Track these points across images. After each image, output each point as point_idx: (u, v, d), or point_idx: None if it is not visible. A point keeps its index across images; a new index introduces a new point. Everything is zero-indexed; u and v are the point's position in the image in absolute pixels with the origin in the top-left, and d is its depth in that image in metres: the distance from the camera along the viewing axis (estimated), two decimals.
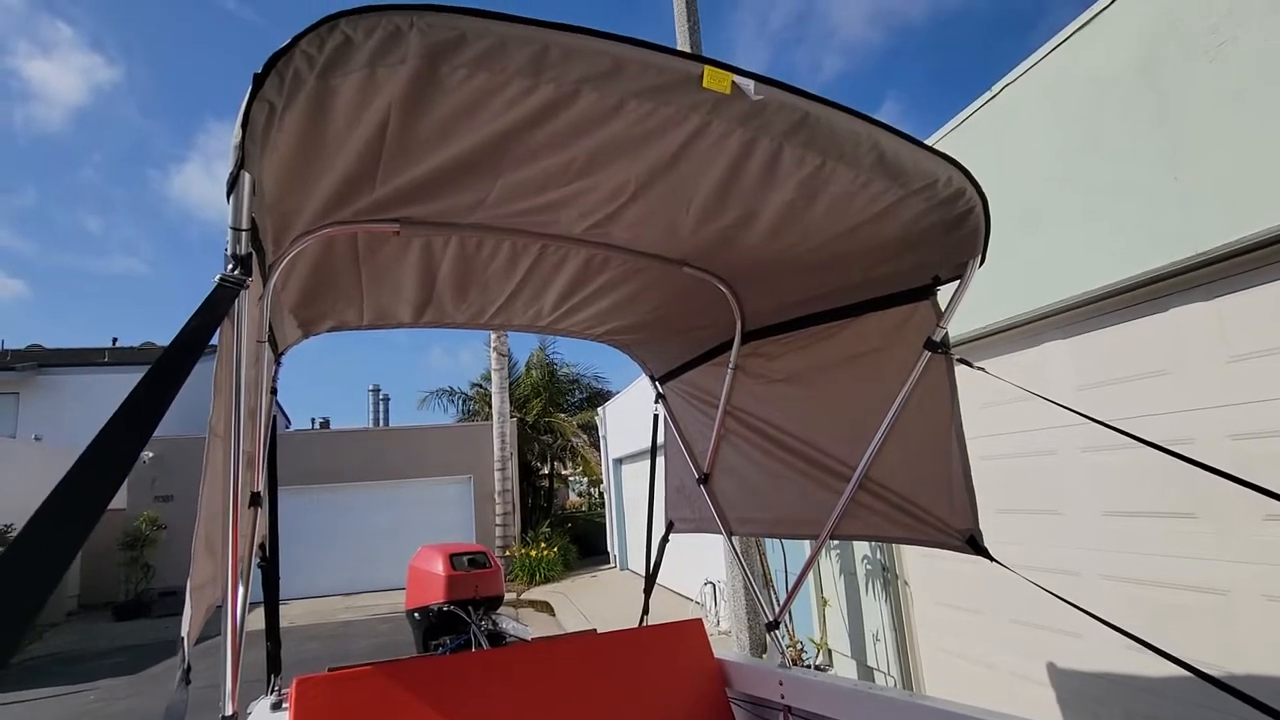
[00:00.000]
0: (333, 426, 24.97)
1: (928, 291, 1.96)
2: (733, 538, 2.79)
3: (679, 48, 5.74)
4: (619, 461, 15.06)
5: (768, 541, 6.11)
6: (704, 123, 1.38)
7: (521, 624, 3.09)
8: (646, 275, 2.41)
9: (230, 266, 1.08)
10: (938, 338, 1.92)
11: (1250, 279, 2.70)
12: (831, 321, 2.27)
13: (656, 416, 3.26)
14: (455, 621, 3.03)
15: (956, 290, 1.87)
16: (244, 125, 1.00)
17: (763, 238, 1.92)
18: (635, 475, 13.88)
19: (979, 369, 1.90)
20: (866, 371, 2.15)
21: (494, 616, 3.03)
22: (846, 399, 2.24)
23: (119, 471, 0.63)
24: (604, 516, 16.83)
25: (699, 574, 8.54)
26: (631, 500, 14.28)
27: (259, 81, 0.98)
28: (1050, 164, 3.47)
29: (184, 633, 1.24)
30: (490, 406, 16.11)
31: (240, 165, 1.03)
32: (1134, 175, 3.03)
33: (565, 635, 2.52)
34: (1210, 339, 2.85)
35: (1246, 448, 2.69)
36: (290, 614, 12.02)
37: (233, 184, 1.05)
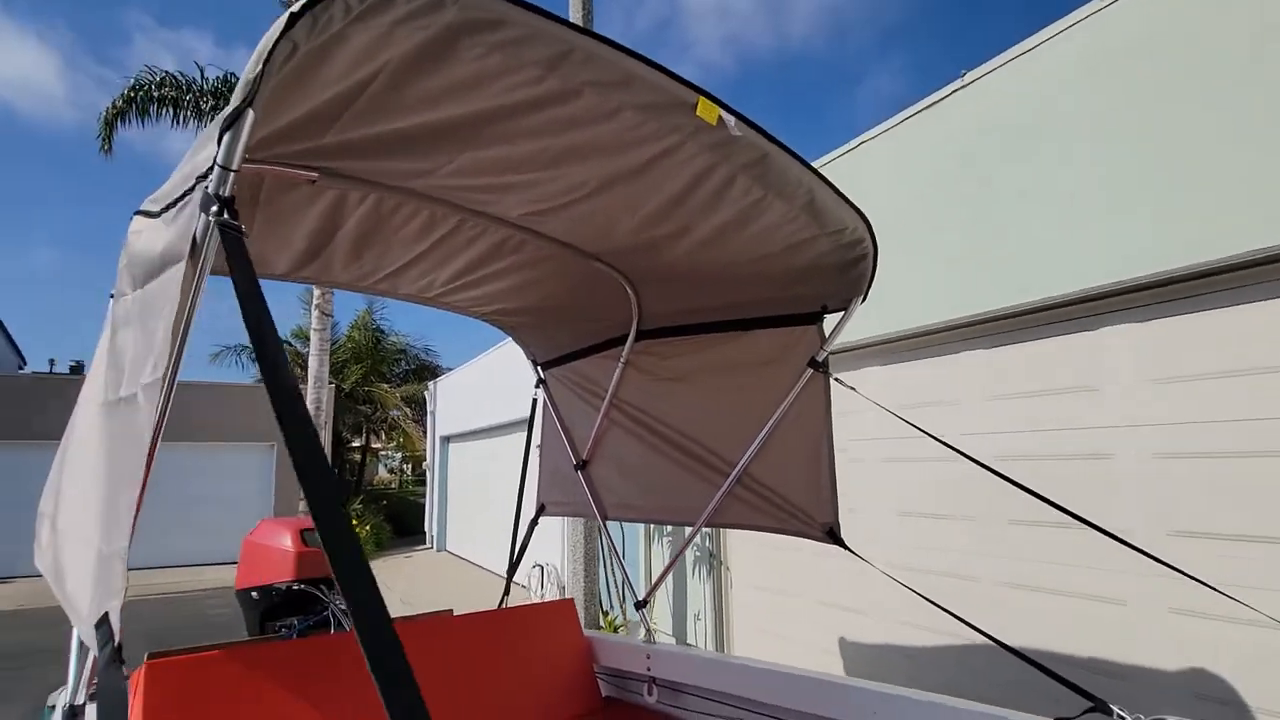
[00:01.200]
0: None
1: (816, 318, 2.26)
2: (605, 522, 2.95)
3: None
4: (447, 439, 14.55)
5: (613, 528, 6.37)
6: (679, 143, 1.51)
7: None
8: (554, 264, 2.47)
9: (216, 209, 0.98)
10: (820, 358, 2.24)
11: (1013, 338, 3.46)
12: (727, 331, 2.51)
13: (536, 401, 3.31)
14: (304, 602, 2.84)
15: (840, 319, 2.19)
16: (265, 61, 0.93)
17: (687, 250, 2.08)
18: (464, 455, 13.53)
19: (849, 387, 2.24)
20: (754, 380, 2.42)
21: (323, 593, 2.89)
22: (732, 402, 2.49)
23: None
24: (421, 495, 16.15)
25: (526, 558, 8.60)
26: (458, 481, 13.89)
27: (293, 20, 0.92)
28: (885, 214, 4.08)
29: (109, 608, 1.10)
30: (303, 369, 14.65)
31: (249, 101, 0.95)
32: (949, 243, 3.69)
33: (436, 615, 2.50)
34: (985, 377, 3.59)
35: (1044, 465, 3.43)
36: (18, 594, 10.01)
37: (234, 120, 0.97)
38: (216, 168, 0.99)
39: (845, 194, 1.81)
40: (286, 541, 2.82)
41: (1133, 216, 2.94)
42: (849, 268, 2.04)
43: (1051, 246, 3.24)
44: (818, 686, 1.96)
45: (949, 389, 3.78)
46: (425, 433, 17.23)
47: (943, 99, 3.86)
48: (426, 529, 15.01)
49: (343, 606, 2.78)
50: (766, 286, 2.24)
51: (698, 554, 5.56)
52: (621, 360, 2.82)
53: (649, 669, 2.44)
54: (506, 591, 3.10)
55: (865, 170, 4.26)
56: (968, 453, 2.07)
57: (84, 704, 1.50)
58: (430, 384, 15.75)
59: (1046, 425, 3.31)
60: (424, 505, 15.73)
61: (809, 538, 2.26)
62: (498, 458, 11.02)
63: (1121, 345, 3.09)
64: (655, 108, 1.37)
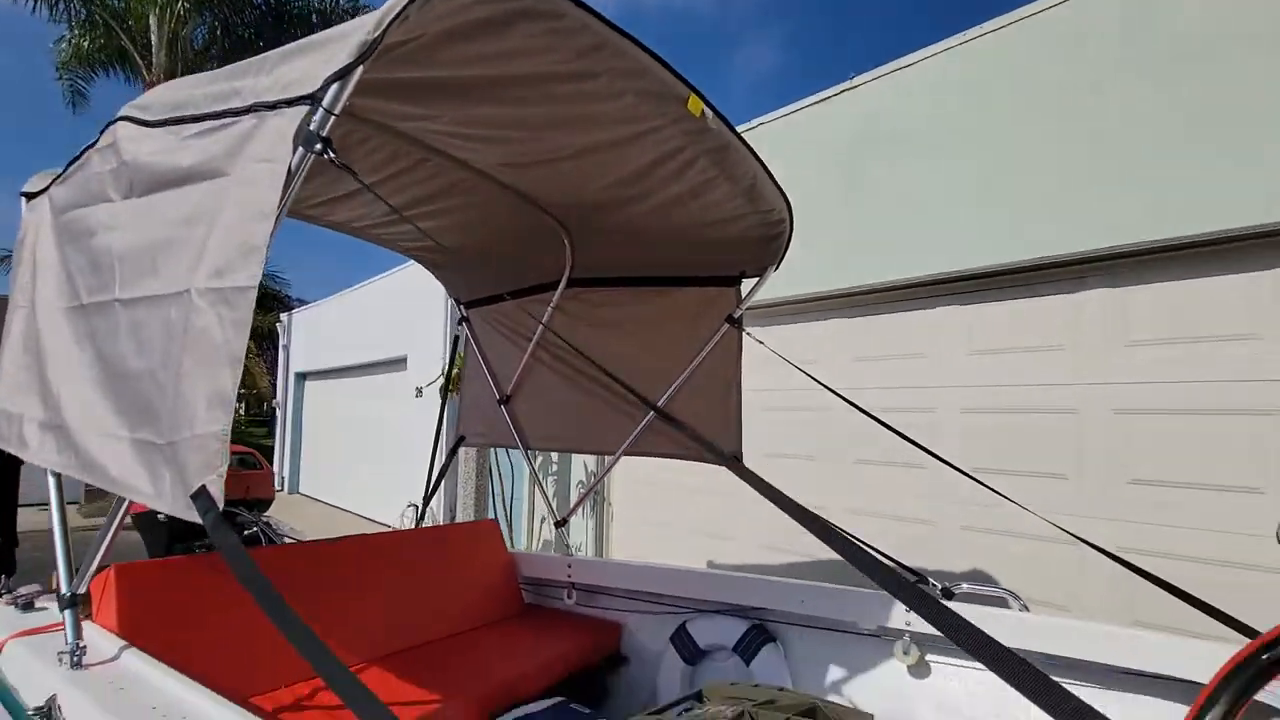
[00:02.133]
0: None
1: (735, 281, 2.66)
2: (528, 451, 3.22)
3: None
4: (303, 376, 13.66)
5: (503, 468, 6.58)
6: (661, 125, 1.78)
7: (295, 529, 3.04)
8: (499, 209, 2.64)
9: (320, 148, 1.12)
10: (736, 315, 2.64)
11: (872, 310, 4.14)
12: (654, 286, 2.84)
13: (458, 338, 3.45)
14: None
15: (756, 284, 2.60)
16: (386, 28, 1.08)
17: (640, 213, 2.37)
18: (326, 393, 12.81)
19: (759, 340, 2.68)
20: (676, 330, 2.78)
21: (267, 519, 2.93)
22: (655, 348, 2.84)
23: None
24: (260, 436, 15.08)
25: (399, 501, 8.54)
26: (316, 420, 13.16)
27: None
28: None
29: None
30: None
31: (363, 60, 1.09)
32: (824, 231, 4.28)
33: (366, 535, 2.65)
34: (849, 342, 4.27)
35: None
36: None
37: (346, 74, 1.10)
38: (322, 110, 1.12)
39: (778, 182, 2.19)
40: None
41: (980, 217, 3.66)
42: (769, 241, 2.44)
43: (915, 237, 3.91)
44: (725, 580, 2.43)
45: (820, 350, 4.43)
46: (270, 368, 15.98)
47: (832, 97, 4.39)
48: (276, 470, 14.11)
49: (264, 528, 2.84)
50: (697, 251, 2.58)
51: (583, 490, 5.98)
52: (552, 305, 3.06)
53: (569, 576, 2.80)
54: (421, 517, 3.29)
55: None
56: (857, 403, 2.60)
57: (86, 592, 1.57)
58: (284, 316, 14.56)
59: (889, 384, 4.06)
60: (267, 445, 14.72)
61: (716, 464, 2.70)
62: (371, 396, 10.63)
63: (954, 322, 3.86)
64: (654, 95, 1.64)
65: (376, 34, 1.09)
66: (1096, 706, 1.80)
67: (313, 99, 1.15)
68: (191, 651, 1.52)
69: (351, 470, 10.97)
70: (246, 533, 2.81)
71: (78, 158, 1.79)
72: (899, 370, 4.04)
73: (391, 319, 9.49)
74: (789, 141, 4.61)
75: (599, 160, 2.03)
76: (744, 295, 2.65)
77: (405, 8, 1.09)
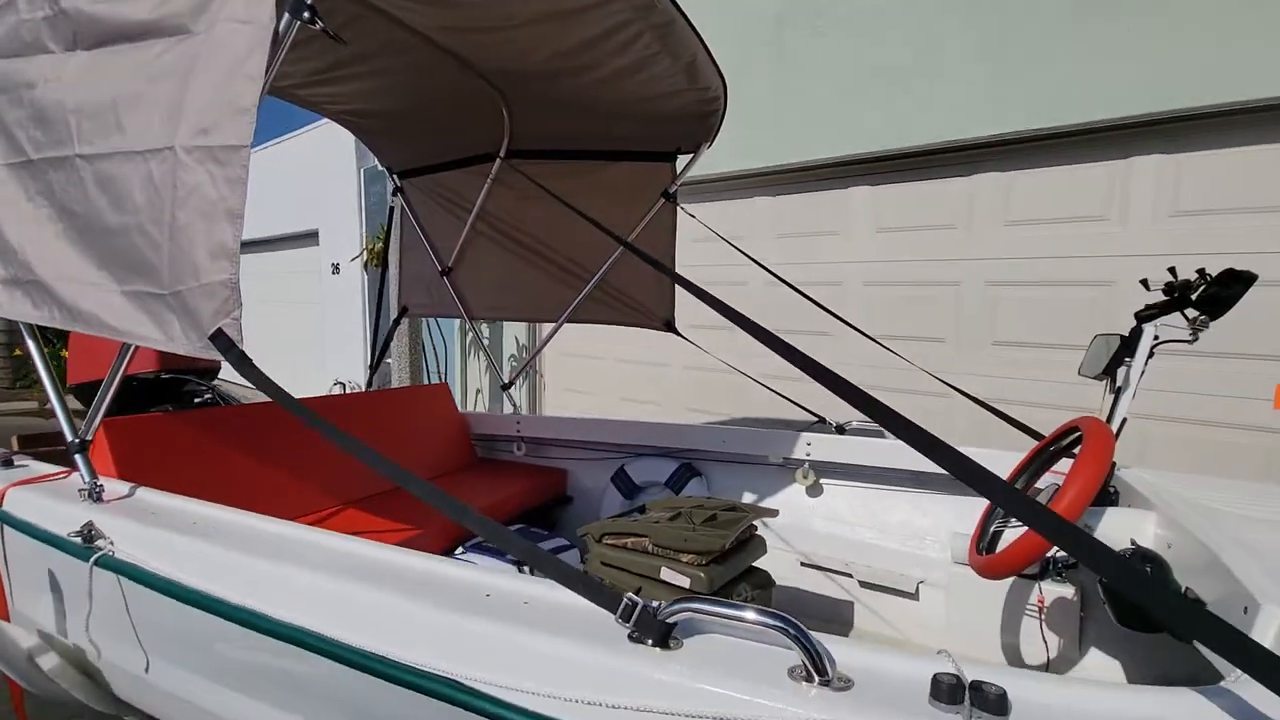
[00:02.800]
0: None
1: (670, 156, 2.82)
2: (472, 322, 3.39)
3: None
4: None
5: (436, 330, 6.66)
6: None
7: (245, 397, 3.13)
8: (436, 75, 2.61)
9: (308, 16, 1.18)
10: (672, 190, 2.83)
11: (811, 187, 4.41)
12: (593, 160, 2.94)
13: (393, 209, 3.45)
14: (165, 391, 2.90)
15: (690, 160, 2.77)
16: None
17: (583, 85, 2.43)
18: None
19: (691, 215, 2.89)
20: (614, 202, 2.94)
21: (215, 384, 3.00)
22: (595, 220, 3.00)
23: None
24: None
25: (318, 383, 8.48)
26: None
27: None
28: None
29: None
30: None
31: None
32: (751, 107, 4.39)
33: (326, 395, 2.80)
34: (769, 218, 4.55)
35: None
36: None
37: None
38: None
39: (716, 61, 2.31)
40: None
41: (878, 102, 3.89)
42: (705, 118, 2.59)
43: (832, 116, 4.11)
44: (658, 428, 2.79)
45: (748, 226, 4.69)
46: None
47: None
48: None
49: (216, 390, 2.93)
50: (636, 125, 2.70)
51: (514, 363, 6.22)
52: (490, 176, 3.11)
53: (519, 431, 3.10)
54: (369, 385, 3.45)
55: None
56: (780, 275, 2.90)
57: (91, 438, 1.69)
58: None
59: (804, 260, 4.42)
60: None
61: (652, 328, 2.99)
62: (281, 275, 10.11)
63: (861, 199, 4.19)
64: None
65: None
66: (947, 504, 2.29)
67: None
68: (198, 492, 1.69)
69: (263, 355, 10.61)
70: (198, 400, 2.89)
71: None
72: (814, 247, 4.39)
73: (299, 190, 8.89)
74: (712, 11, 4.57)
75: (545, 30, 2.07)
76: (679, 171, 2.82)
77: None
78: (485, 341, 6.39)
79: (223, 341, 1.26)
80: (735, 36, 4.45)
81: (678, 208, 2.87)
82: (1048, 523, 0.91)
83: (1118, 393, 1.79)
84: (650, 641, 0.89)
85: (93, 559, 1.43)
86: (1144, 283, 1.83)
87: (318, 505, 2.34)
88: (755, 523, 1.92)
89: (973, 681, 0.76)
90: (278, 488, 2.21)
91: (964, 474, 0.90)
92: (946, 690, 0.75)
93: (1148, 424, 3.19)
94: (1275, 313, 2.88)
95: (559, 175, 3.04)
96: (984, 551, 1.58)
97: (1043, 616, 1.78)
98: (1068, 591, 1.79)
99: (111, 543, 1.45)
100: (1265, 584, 0.98)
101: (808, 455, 2.54)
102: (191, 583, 1.30)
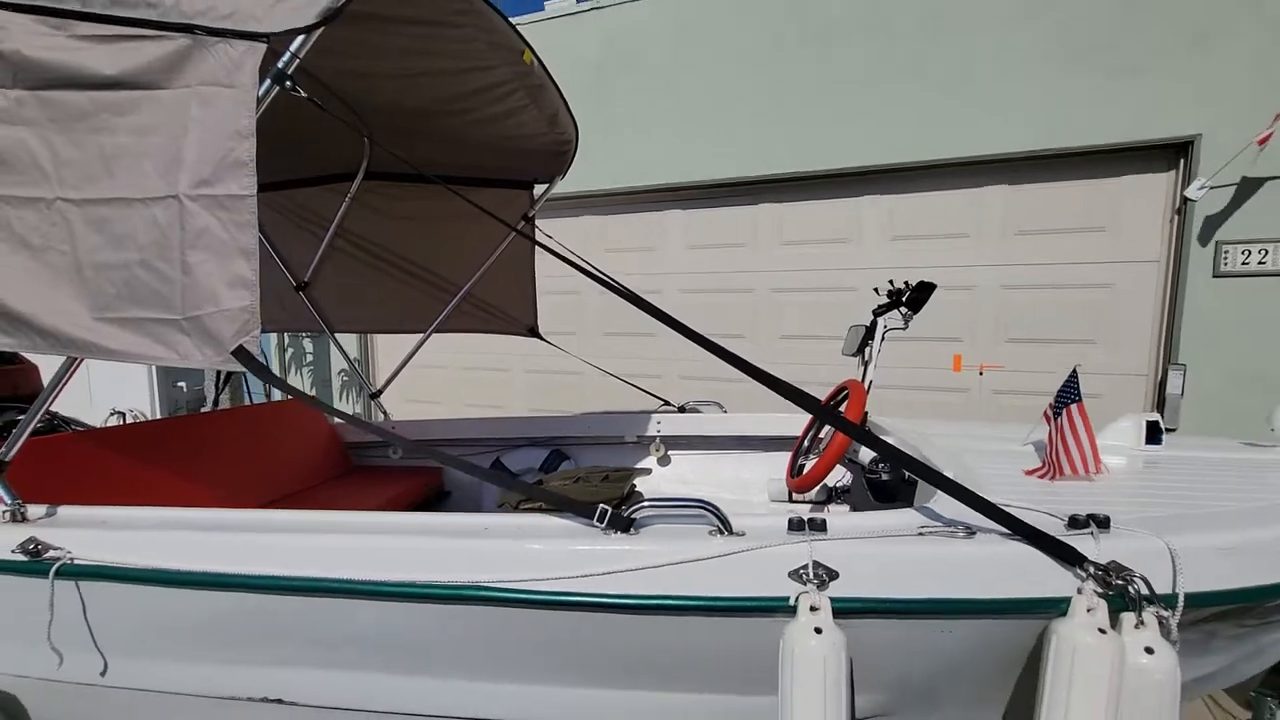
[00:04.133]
0: None
1: (528, 185, 3.25)
2: (334, 334, 3.48)
3: None
4: None
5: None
6: (496, 65, 2.27)
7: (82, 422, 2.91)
8: (301, 103, 2.77)
9: (290, 85, 1.43)
10: (530, 214, 3.26)
11: (632, 209, 5.07)
12: (457, 185, 3.25)
13: None
14: None
15: (546, 189, 3.23)
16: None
17: (446, 125, 2.75)
18: None
19: (548, 236, 3.34)
20: (476, 224, 3.28)
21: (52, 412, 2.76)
22: (457, 239, 3.31)
23: None
24: None
25: (104, 406, 7.32)
26: None
27: None
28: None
29: None
30: None
31: (332, 19, 1.42)
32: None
33: (180, 416, 2.76)
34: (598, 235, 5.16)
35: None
36: None
37: (312, 30, 1.42)
38: (290, 54, 1.44)
39: (572, 112, 2.81)
40: None
41: (694, 143, 4.71)
42: (560, 156, 3.06)
43: (642, 152, 4.83)
44: (527, 421, 3.20)
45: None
46: None
47: (581, 13, 4.94)
48: None
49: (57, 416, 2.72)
50: (498, 157, 3.08)
51: (345, 379, 6.08)
52: (349, 196, 3.26)
53: (393, 432, 3.29)
54: (215, 403, 3.38)
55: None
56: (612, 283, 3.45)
57: (9, 460, 1.67)
58: None
59: (631, 270, 5.09)
60: None
61: (517, 334, 3.39)
62: None
63: (675, 223, 4.97)
64: (499, 46, 2.12)
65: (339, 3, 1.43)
66: (764, 460, 3.01)
67: (266, 38, 1.45)
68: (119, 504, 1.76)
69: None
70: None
71: None
72: (634, 260, 5.10)
73: None
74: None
75: (425, 83, 2.41)
76: (537, 198, 3.26)
77: None
78: (308, 359, 6.15)
79: (244, 357, 1.47)
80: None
81: (535, 228, 3.30)
82: (848, 426, 1.57)
83: (865, 366, 2.63)
84: (619, 532, 1.38)
85: (53, 569, 1.52)
86: (875, 290, 2.70)
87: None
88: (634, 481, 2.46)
89: (808, 519, 1.37)
90: (196, 497, 2.26)
91: (798, 398, 1.49)
92: (795, 524, 1.35)
93: (882, 391, 4.35)
94: (950, 306, 4.15)
95: (421, 198, 3.31)
96: (796, 476, 2.29)
97: None
98: (844, 509, 2.60)
99: (69, 552, 1.54)
100: (945, 460, 1.76)
101: (659, 431, 3.14)
102: (173, 565, 1.48)
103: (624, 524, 1.38)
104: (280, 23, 1.45)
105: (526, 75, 2.36)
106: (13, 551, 1.54)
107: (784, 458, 2.70)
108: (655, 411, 3.24)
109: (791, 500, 2.42)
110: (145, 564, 1.49)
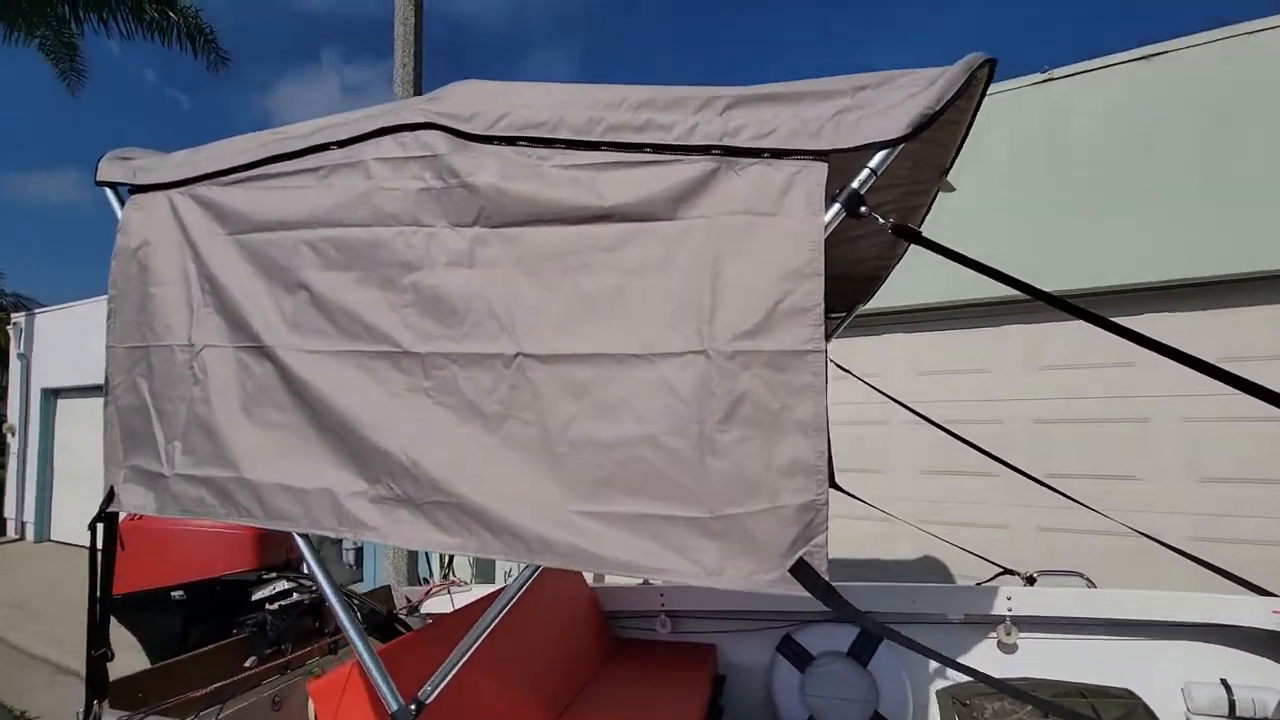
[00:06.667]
0: None
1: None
2: None
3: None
4: (54, 393, 10.76)
5: None
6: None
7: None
8: None
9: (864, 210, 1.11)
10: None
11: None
12: None
13: None
14: (241, 595, 2.30)
15: (846, 314, 2.83)
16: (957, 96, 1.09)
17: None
18: (86, 414, 10.23)
19: (841, 367, 2.92)
20: None
21: (303, 580, 2.42)
22: None
23: None
24: None
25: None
26: (73, 447, 10.43)
27: None
28: None
29: None
30: None
31: (923, 128, 1.10)
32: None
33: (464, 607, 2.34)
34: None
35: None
36: None
37: (897, 143, 1.11)
38: (869, 171, 1.14)
39: None
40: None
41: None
42: (874, 281, 2.68)
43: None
44: (843, 588, 2.60)
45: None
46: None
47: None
48: (12, 514, 10.93)
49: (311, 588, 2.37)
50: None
51: None
52: None
53: (663, 604, 2.77)
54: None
55: None
56: (923, 414, 2.94)
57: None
58: (18, 318, 11.35)
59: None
60: None
61: None
62: None
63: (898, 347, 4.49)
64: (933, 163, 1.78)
65: (938, 107, 1.09)
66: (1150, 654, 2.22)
67: (826, 155, 1.13)
68: None
69: None
70: (279, 615, 2.30)
71: (288, 155, 1.41)
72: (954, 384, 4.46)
73: None
74: None
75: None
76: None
77: (966, 84, 1.11)
78: None
79: (808, 575, 1.04)
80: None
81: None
82: None
83: None
84: None
85: None
86: None
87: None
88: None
89: None
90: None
91: None
92: None
93: None
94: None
95: None
96: None
97: None
98: None
99: None
100: None
101: (1009, 610, 2.47)
102: None
103: None
104: (850, 137, 1.12)
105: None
106: None
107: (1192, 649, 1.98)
108: (991, 580, 2.59)
109: None
110: None
